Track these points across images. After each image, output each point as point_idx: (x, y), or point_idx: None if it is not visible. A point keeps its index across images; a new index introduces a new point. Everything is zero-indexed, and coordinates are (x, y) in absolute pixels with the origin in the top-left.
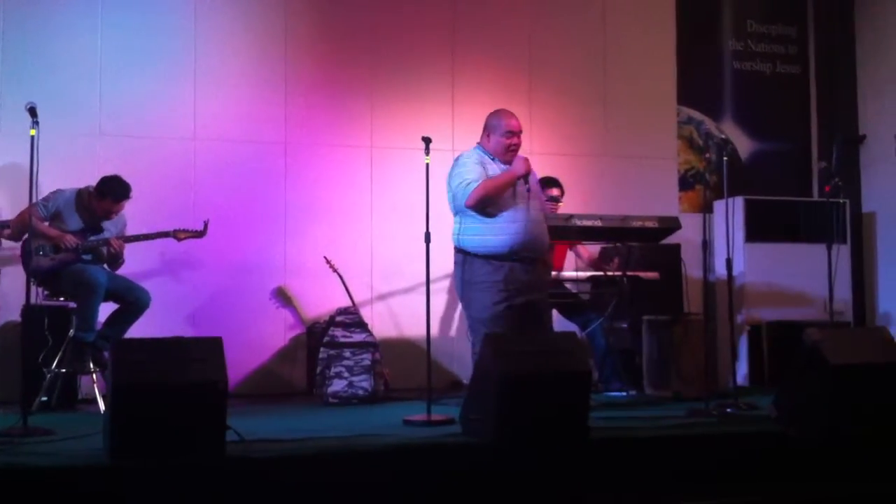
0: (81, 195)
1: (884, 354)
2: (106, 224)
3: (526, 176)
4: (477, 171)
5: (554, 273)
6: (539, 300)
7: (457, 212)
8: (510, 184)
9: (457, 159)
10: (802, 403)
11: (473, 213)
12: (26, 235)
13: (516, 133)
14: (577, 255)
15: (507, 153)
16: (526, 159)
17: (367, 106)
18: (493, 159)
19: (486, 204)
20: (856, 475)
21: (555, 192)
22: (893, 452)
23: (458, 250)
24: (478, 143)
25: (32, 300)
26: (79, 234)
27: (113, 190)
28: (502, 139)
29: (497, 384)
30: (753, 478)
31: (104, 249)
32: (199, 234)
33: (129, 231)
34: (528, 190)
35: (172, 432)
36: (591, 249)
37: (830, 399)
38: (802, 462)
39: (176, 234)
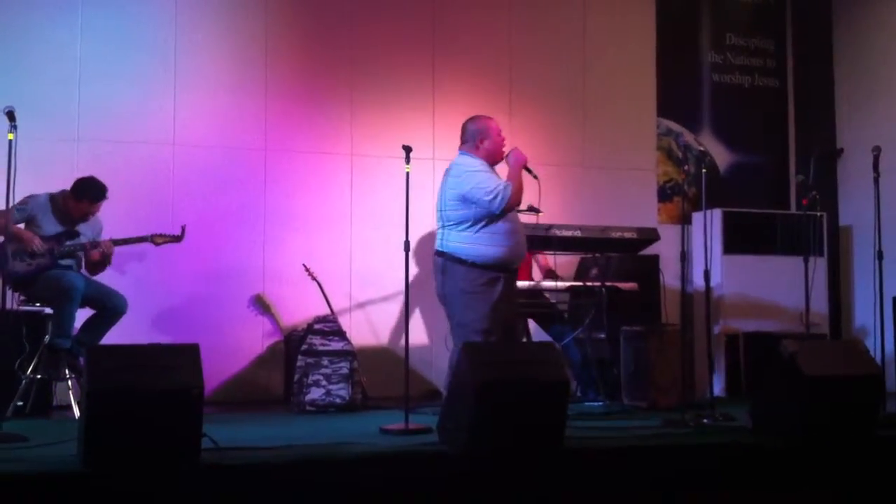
0: (56, 199)
1: (859, 367)
2: (82, 228)
3: (526, 163)
4: (494, 177)
5: (532, 283)
6: (514, 310)
7: (465, 220)
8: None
9: (461, 170)
10: (778, 414)
11: (483, 223)
12: (1, 240)
13: (500, 132)
14: (536, 262)
15: (500, 153)
16: (519, 150)
17: (347, 114)
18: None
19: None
20: (831, 485)
21: None
22: (867, 462)
23: (451, 258)
24: (463, 153)
25: (8, 305)
26: (55, 238)
27: (90, 190)
28: (498, 139)
29: (474, 393)
30: (728, 488)
31: (82, 254)
32: (177, 239)
33: (106, 236)
34: (536, 177)
35: (147, 439)
36: (549, 259)
37: (806, 410)
38: (777, 472)
39: (153, 239)
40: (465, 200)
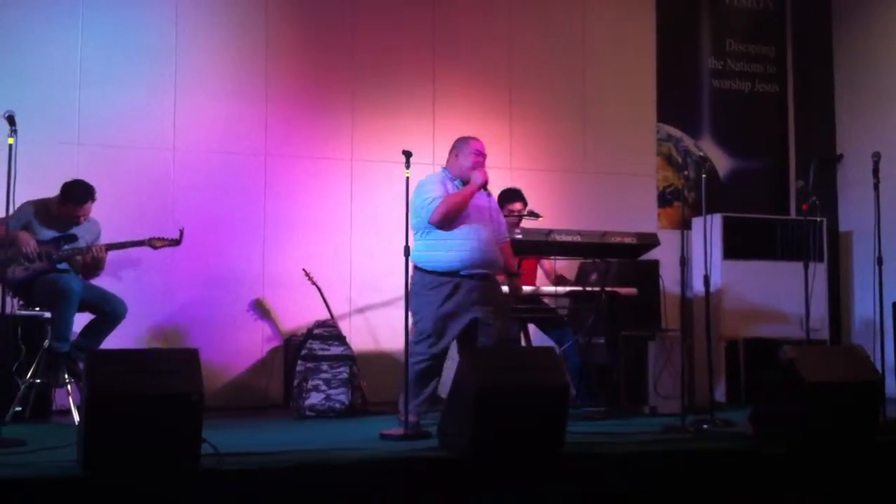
0: (50, 204)
1: (859, 372)
2: (80, 232)
3: (485, 185)
4: (440, 189)
5: (532, 288)
6: (485, 317)
7: (417, 230)
8: (470, 196)
9: (421, 181)
10: (778, 420)
11: (430, 230)
12: None
13: (482, 154)
14: (542, 268)
15: (473, 169)
16: (484, 171)
17: (347, 119)
18: (453, 181)
19: (450, 219)
20: (830, 491)
21: (517, 206)
22: (867, 468)
23: (414, 264)
24: (443, 167)
25: (7, 310)
26: (53, 243)
27: (72, 193)
28: (470, 156)
29: (474, 398)
30: (729, 493)
31: (79, 258)
32: (175, 243)
33: (104, 240)
34: (489, 195)
35: (147, 444)
36: (554, 265)
37: (805, 416)
38: (777, 478)
39: (151, 243)
40: (414, 210)
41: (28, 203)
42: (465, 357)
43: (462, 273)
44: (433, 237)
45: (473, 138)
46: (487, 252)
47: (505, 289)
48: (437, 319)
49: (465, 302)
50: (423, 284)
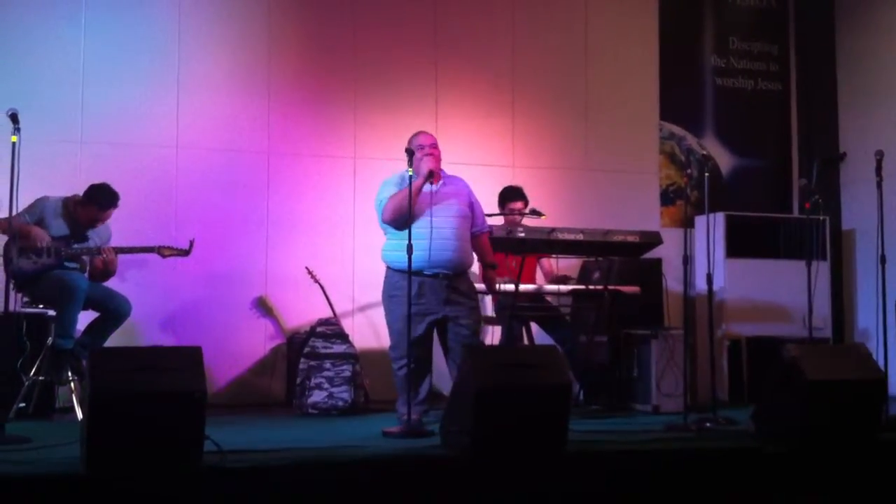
0: (67, 203)
1: (861, 371)
2: (91, 235)
3: (430, 174)
4: (393, 189)
5: (535, 286)
6: (451, 314)
7: (384, 230)
8: (417, 190)
9: (382, 182)
10: (780, 418)
11: (391, 230)
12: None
13: (427, 146)
14: (542, 269)
15: (417, 165)
16: (429, 159)
17: (350, 117)
18: (411, 177)
19: (400, 218)
20: (833, 489)
21: (518, 204)
22: (869, 467)
23: (385, 266)
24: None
25: (11, 307)
26: (63, 240)
27: (99, 197)
28: (418, 150)
29: (477, 397)
30: (731, 492)
31: (87, 260)
32: (185, 253)
33: (112, 243)
34: (433, 192)
35: (150, 442)
36: (552, 266)
37: (808, 414)
38: (780, 476)
39: (161, 251)
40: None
41: (43, 198)
42: (466, 356)
43: (426, 272)
44: (396, 237)
45: (421, 132)
46: (448, 250)
47: (480, 286)
48: (404, 320)
49: (430, 301)
50: (392, 285)
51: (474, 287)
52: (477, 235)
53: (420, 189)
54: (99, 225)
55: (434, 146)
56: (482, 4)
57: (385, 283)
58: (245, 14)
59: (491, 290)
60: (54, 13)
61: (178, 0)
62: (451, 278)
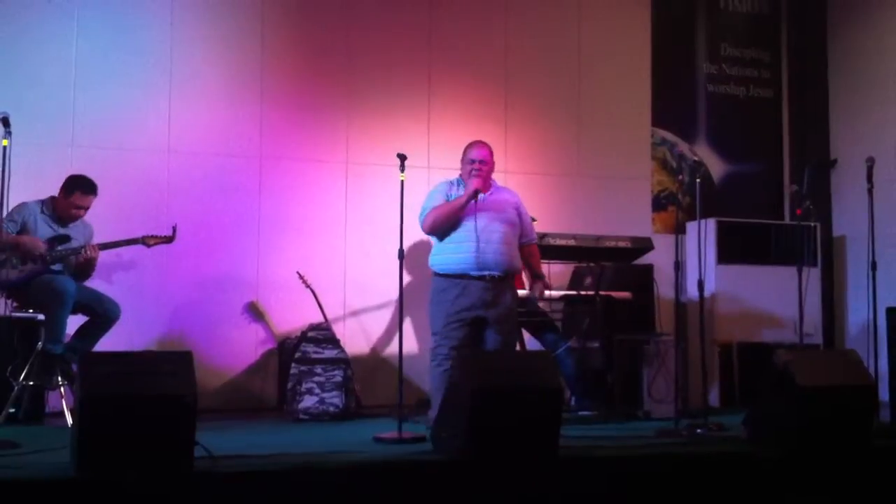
0: (46, 204)
1: (852, 377)
2: (73, 234)
3: (475, 194)
4: (439, 199)
5: (525, 292)
6: (491, 317)
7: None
8: (460, 206)
9: (431, 190)
10: (772, 424)
11: (434, 236)
12: None
13: (477, 161)
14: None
15: (468, 177)
16: (478, 179)
17: (343, 122)
18: (460, 185)
19: (440, 229)
20: (825, 495)
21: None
22: (861, 472)
23: (432, 272)
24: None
25: (0, 312)
26: (47, 243)
27: (81, 182)
28: (466, 166)
29: (468, 401)
30: (722, 497)
31: (73, 259)
32: (169, 240)
33: (97, 242)
34: (477, 204)
35: (140, 447)
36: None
37: (799, 420)
38: (771, 482)
39: (145, 241)
40: None
41: (21, 205)
42: (458, 360)
43: (472, 274)
44: (439, 241)
45: (475, 144)
46: (494, 253)
47: (524, 292)
48: (448, 322)
49: (472, 303)
50: (437, 289)
51: (517, 296)
52: (526, 245)
53: (464, 206)
54: (81, 215)
55: (483, 162)
56: (476, 11)
57: (431, 289)
58: (238, 18)
59: (541, 298)
60: (47, 17)
61: (170, 4)
62: (497, 281)
